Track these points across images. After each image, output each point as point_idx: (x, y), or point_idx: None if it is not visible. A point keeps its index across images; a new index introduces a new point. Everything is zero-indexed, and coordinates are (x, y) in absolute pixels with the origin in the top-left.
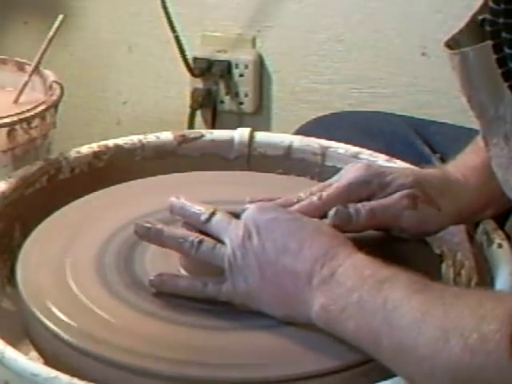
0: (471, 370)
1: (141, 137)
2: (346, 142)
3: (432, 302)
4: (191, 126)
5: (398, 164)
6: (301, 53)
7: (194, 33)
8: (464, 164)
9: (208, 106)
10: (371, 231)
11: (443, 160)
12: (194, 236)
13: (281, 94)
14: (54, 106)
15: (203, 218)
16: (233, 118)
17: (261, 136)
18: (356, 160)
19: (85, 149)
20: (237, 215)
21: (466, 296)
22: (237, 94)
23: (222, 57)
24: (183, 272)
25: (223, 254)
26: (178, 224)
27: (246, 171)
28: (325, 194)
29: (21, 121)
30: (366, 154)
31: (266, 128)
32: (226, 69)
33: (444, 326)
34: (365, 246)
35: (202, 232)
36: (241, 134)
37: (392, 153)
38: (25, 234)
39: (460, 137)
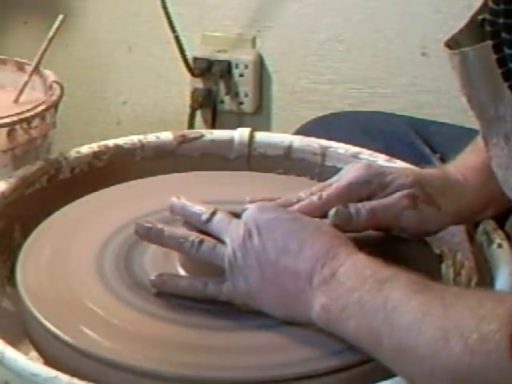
0: (471, 370)
1: (141, 137)
2: (346, 142)
3: (432, 302)
4: (191, 126)
5: (398, 164)
6: (301, 53)
7: (194, 33)
8: (464, 164)
9: (208, 105)
10: (371, 231)
11: (443, 160)
12: (195, 236)
13: (281, 94)
14: (54, 106)
15: (204, 217)
16: (233, 118)
17: (261, 136)
18: (356, 160)
19: (85, 149)
20: (237, 215)
21: (466, 296)
22: (237, 94)
23: (222, 57)
24: (183, 272)
25: (224, 254)
26: (178, 224)
27: (246, 171)
28: (325, 193)
29: (21, 121)
30: (366, 154)
31: (266, 128)
32: (226, 69)
33: (444, 326)
34: (365, 245)
35: (202, 232)
36: (241, 133)
37: (392, 153)
38: (25, 234)
39: (460, 137)
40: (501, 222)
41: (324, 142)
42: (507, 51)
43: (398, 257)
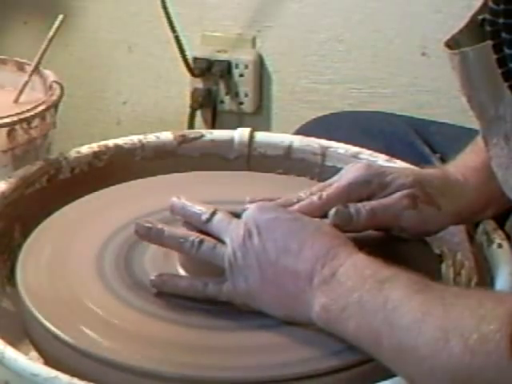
0: (471, 371)
1: (141, 137)
2: (346, 142)
3: (432, 302)
4: (191, 126)
5: (398, 164)
6: (301, 53)
7: (194, 33)
8: (464, 164)
9: (208, 106)
10: (371, 231)
11: (443, 160)
12: (195, 236)
13: (281, 94)
14: (54, 106)
15: (204, 217)
16: (233, 118)
17: (261, 136)
18: (356, 160)
19: (85, 149)
20: (237, 215)
21: (466, 296)
22: (237, 94)
23: (222, 57)
24: (183, 272)
25: (224, 254)
26: (178, 224)
27: (246, 171)
28: (325, 193)
29: (21, 121)
30: (366, 154)
31: (266, 128)
32: (226, 69)
33: (444, 326)
34: (365, 245)
35: (202, 232)
36: (241, 133)
37: (392, 153)
38: (25, 234)
39: (460, 137)
40: (501, 222)
41: (324, 142)
42: (507, 51)
43: (398, 257)
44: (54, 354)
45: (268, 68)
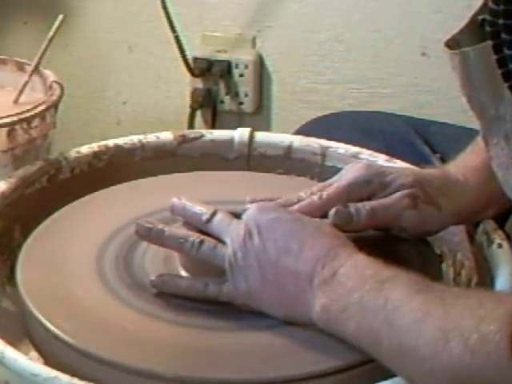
0: (471, 371)
1: (141, 137)
2: (346, 142)
3: (432, 302)
4: (191, 126)
5: (398, 164)
6: (301, 53)
7: (194, 33)
8: (464, 164)
9: (208, 106)
10: (371, 231)
11: (443, 160)
12: (195, 236)
13: (281, 94)
14: (54, 105)
15: (204, 218)
16: (233, 118)
17: (261, 136)
18: (356, 160)
19: (85, 149)
20: (237, 215)
21: (466, 296)
22: (237, 94)
23: (222, 57)
24: (183, 272)
25: (224, 254)
26: (178, 224)
27: (246, 171)
28: (325, 193)
29: (21, 121)
30: (366, 154)
31: (266, 128)
32: (226, 69)
33: (444, 327)
34: (365, 245)
35: (202, 232)
36: (241, 133)
37: (392, 153)
38: (25, 234)
39: (460, 137)
40: (501, 222)
41: (324, 142)
42: (507, 52)
43: (398, 257)
44: (54, 354)
45: (268, 68)
